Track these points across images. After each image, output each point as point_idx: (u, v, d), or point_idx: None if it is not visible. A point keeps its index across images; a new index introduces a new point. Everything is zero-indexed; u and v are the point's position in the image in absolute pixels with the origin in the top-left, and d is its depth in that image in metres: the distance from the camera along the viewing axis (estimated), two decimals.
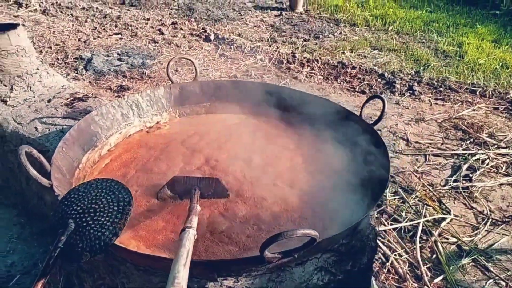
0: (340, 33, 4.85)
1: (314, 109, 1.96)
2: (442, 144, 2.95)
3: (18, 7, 5.13)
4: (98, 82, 3.59)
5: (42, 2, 5.26)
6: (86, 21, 4.85)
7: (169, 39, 4.51)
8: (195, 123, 2.01)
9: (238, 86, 2.09)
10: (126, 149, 1.76)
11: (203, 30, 4.73)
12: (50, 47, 4.13)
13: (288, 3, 5.58)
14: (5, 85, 2.27)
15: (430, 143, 2.95)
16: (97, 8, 5.24)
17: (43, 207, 2.05)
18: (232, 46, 4.38)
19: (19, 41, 2.32)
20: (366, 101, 1.83)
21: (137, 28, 4.73)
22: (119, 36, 4.56)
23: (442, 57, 4.29)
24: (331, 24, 5.12)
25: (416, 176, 2.62)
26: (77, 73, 3.70)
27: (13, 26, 2.33)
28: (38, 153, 1.35)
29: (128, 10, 5.34)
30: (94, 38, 4.44)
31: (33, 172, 1.27)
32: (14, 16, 4.88)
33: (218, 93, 2.10)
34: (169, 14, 5.30)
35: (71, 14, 5.02)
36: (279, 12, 5.45)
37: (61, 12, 5.07)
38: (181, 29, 4.80)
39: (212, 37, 4.56)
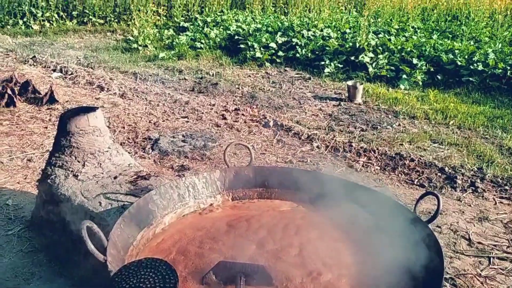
0: (399, 125, 4.87)
1: (367, 202, 1.94)
2: (508, 247, 2.74)
3: (100, 90, 5.73)
4: (162, 161, 3.81)
5: (121, 87, 5.84)
6: (158, 105, 5.29)
7: (231, 124, 4.77)
8: (247, 208, 2.06)
9: (291, 173, 2.15)
10: (178, 230, 1.83)
11: (263, 117, 4.96)
12: (124, 127, 4.52)
13: (347, 94, 5.77)
14: (78, 161, 2.49)
15: (494, 245, 2.75)
16: (169, 93, 5.72)
17: (97, 280, 2.12)
18: (290, 133, 4.52)
19: (96, 123, 2.58)
20: (420, 198, 1.79)
21: (202, 113, 5.06)
22: (186, 119, 4.90)
23: (507, 154, 4.13)
24: (390, 116, 5.17)
25: (479, 280, 2.42)
26: (144, 152, 3.98)
27: (93, 109, 2.62)
28: (98, 228, 1.45)
29: (196, 96, 5.78)
30: (163, 121, 4.80)
31: (91, 247, 1.35)
32: (96, 98, 5.44)
33: (271, 179, 2.16)
34: (233, 101, 5.65)
35: (146, 98, 5.51)
36: (337, 103, 5.62)
37: (137, 96, 5.58)
38: (243, 115, 5.07)
39: (271, 123, 4.76)
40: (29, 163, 3.54)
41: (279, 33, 8.49)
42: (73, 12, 11.30)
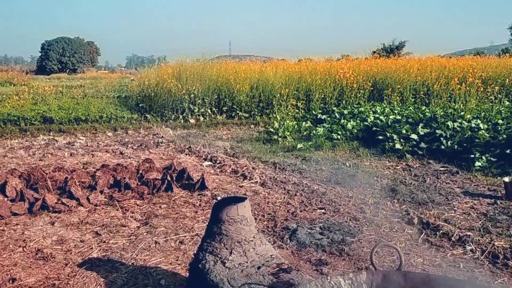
0: None
1: None
2: None
3: (244, 179, 6.12)
4: (299, 253, 3.79)
5: (262, 176, 6.17)
6: (295, 195, 5.40)
7: (370, 218, 4.59)
8: None
9: (449, 284, 1.93)
10: None
11: (406, 213, 4.67)
12: (263, 216, 4.68)
13: (503, 192, 5.15)
14: (226, 249, 2.63)
15: None
16: (306, 184, 5.83)
17: None
18: (437, 232, 4.14)
19: (244, 212, 2.73)
20: None
21: (340, 205, 4.99)
22: (323, 211, 4.88)
23: None
24: None
25: None
26: (282, 242, 4.02)
27: (242, 199, 2.79)
28: None
29: (333, 187, 5.77)
30: (300, 211, 4.85)
31: None
32: (239, 186, 5.82)
33: None
34: (372, 193, 5.48)
35: (284, 188, 5.69)
36: (492, 201, 5.03)
37: (276, 185, 5.81)
38: (383, 209, 4.85)
39: (415, 221, 4.44)
40: (180, 245, 3.85)
41: (421, 124, 8.23)
42: (223, 108, 12.73)
